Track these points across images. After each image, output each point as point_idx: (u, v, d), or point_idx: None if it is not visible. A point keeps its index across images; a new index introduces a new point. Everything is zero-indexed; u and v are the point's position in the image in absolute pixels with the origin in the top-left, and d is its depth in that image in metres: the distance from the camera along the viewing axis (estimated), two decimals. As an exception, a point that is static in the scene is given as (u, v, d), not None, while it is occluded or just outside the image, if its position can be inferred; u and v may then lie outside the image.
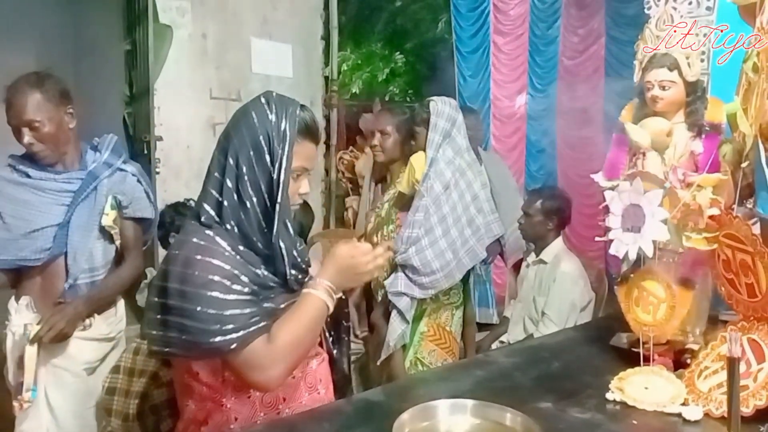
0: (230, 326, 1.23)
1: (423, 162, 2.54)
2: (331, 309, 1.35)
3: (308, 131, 1.34)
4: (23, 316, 2.02)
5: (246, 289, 1.27)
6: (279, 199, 1.29)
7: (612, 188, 1.50)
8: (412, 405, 1.20)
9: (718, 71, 1.59)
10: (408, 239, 2.43)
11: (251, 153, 1.29)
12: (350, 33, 5.83)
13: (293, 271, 1.35)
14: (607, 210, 1.50)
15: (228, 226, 1.31)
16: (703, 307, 1.52)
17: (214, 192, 1.32)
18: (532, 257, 3.21)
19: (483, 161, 3.37)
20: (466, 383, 1.47)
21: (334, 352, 1.60)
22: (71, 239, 2.01)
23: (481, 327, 4.24)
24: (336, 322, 1.58)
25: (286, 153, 1.29)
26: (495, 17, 5.34)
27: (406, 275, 2.43)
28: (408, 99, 5.76)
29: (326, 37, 4.05)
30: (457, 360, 2.50)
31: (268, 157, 1.29)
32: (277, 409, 1.37)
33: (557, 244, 3.09)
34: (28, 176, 2.01)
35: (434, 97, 2.58)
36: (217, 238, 1.29)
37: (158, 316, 1.30)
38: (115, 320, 2.19)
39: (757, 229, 1.39)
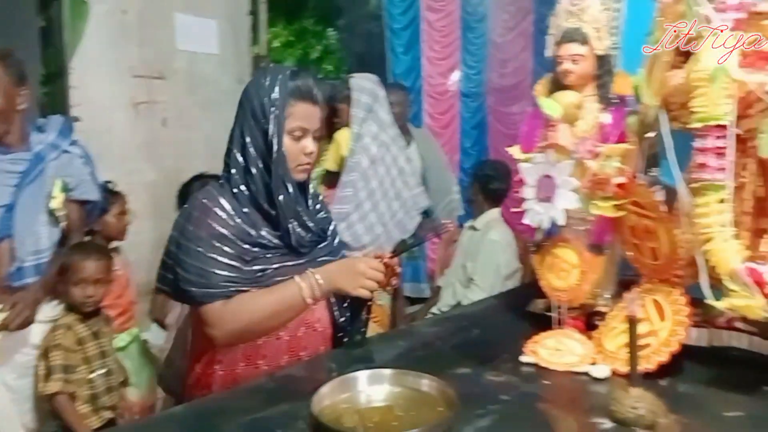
0: (204, 281, 1.38)
1: (348, 138, 2.55)
2: (309, 300, 1.41)
3: (300, 92, 1.43)
4: None
5: (232, 251, 1.40)
6: (274, 156, 1.40)
7: (527, 160, 1.54)
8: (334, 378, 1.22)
9: (630, 45, 1.64)
10: (338, 215, 2.44)
11: (252, 121, 1.42)
12: (282, 9, 5.72)
13: (298, 230, 1.46)
14: (522, 182, 1.55)
15: (235, 190, 1.44)
16: (612, 272, 1.59)
17: (227, 160, 1.47)
18: (468, 224, 3.31)
19: (414, 137, 3.41)
20: (389, 354, 1.50)
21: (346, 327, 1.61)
22: (18, 222, 2.00)
23: (414, 301, 4.33)
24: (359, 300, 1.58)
25: (276, 114, 1.40)
26: (426, -7, 5.37)
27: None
28: (342, 76, 5.73)
29: (254, 13, 3.96)
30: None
31: (264, 121, 1.41)
32: (256, 364, 1.47)
33: (491, 214, 3.18)
34: None
35: (355, 74, 2.59)
36: (221, 199, 1.43)
37: (164, 259, 1.49)
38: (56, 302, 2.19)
39: (661, 196, 1.46)
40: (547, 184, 1.47)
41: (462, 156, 5.97)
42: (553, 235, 1.57)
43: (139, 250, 3.23)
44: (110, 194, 2.82)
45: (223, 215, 1.42)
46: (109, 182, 2.89)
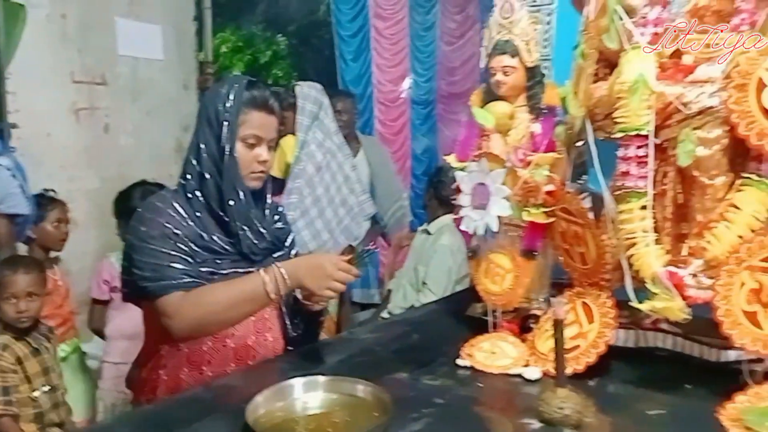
0: (159, 275, 1.40)
1: (293, 145, 2.56)
2: (272, 295, 1.40)
3: (255, 101, 1.47)
4: None
5: (184, 248, 1.42)
6: (225, 162, 1.43)
7: (462, 169, 1.58)
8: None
9: (561, 57, 1.70)
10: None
11: (207, 128, 1.46)
12: (230, 14, 5.67)
13: (250, 236, 1.48)
14: (459, 189, 1.58)
15: (190, 195, 1.47)
16: (546, 276, 1.64)
17: (184, 166, 1.50)
18: (421, 228, 3.35)
19: (362, 145, 3.44)
20: (328, 361, 1.51)
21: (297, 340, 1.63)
22: None
23: (364, 307, 4.34)
24: (313, 314, 1.60)
25: (230, 120, 1.44)
26: (374, 1, 5.40)
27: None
28: (292, 82, 5.72)
29: (199, 18, 3.93)
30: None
31: (217, 128, 1.44)
32: (201, 369, 1.48)
33: (445, 219, 3.22)
34: None
35: (300, 82, 2.61)
36: (175, 203, 1.46)
37: (123, 264, 1.52)
38: None
39: (588, 203, 1.52)
40: (482, 191, 1.51)
41: (413, 162, 6.03)
42: (490, 240, 1.61)
43: (82, 259, 3.16)
44: (49, 202, 2.75)
45: (176, 217, 1.44)
46: (48, 190, 2.82)
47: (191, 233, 1.44)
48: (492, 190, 1.48)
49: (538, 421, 1.18)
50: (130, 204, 2.59)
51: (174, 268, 1.40)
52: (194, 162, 1.48)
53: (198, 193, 1.47)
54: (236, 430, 1.13)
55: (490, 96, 1.63)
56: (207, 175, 1.46)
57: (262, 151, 1.49)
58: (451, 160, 1.64)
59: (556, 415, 1.16)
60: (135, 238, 1.45)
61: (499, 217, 1.48)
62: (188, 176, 1.48)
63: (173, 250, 1.41)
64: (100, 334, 2.81)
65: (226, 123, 1.44)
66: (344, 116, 3.07)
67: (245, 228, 1.48)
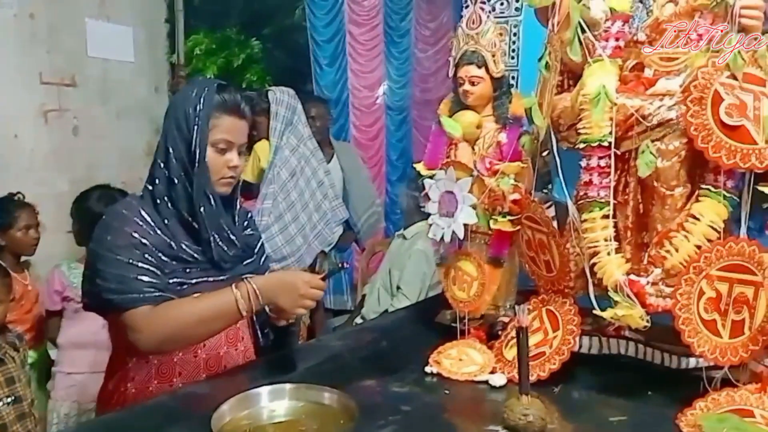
0: (125, 287, 1.35)
1: (267, 150, 2.56)
2: (244, 312, 1.37)
3: (226, 105, 1.44)
4: None
5: (152, 259, 1.38)
6: (195, 169, 1.41)
7: (431, 177, 1.60)
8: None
9: (528, 68, 1.73)
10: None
11: (176, 132, 1.42)
12: (204, 17, 5.62)
13: (221, 243, 1.45)
14: (427, 197, 1.60)
15: (158, 201, 1.43)
16: (513, 283, 1.66)
17: (152, 171, 1.46)
18: (398, 233, 3.37)
19: (336, 151, 3.44)
20: (296, 369, 1.51)
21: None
22: None
23: (337, 313, 4.34)
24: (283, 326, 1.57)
25: (200, 125, 1.41)
26: (349, 7, 5.40)
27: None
28: (267, 86, 5.69)
29: (171, 20, 3.90)
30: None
31: (187, 132, 1.41)
32: (171, 381, 1.45)
33: (421, 225, 3.23)
34: None
35: (272, 87, 2.62)
36: (142, 211, 1.42)
37: (84, 272, 1.46)
38: None
39: (553, 212, 1.55)
40: (449, 199, 1.53)
41: (389, 167, 6.03)
42: (461, 248, 1.63)
43: (50, 264, 3.10)
44: (16, 206, 2.71)
45: (143, 225, 1.40)
46: (16, 194, 2.77)
47: (159, 242, 1.40)
48: (459, 198, 1.50)
49: (503, 428, 1.20)
50: (86, 205, 2.56)
51: (141, 281, 1.35)
52: (162, 166, 1.44)
53: (166, 199, 1.43)
54: (202, 440, 1.13)
55: (459, 105, 1.65)
56: (176, 180, 1.42)
57: (232, 156, 1.46)
58: (420, 167, 1.65)
59: (519, 422, 1.18)
60: (100, 247, 1.39)
61: (466, 225, 1.50)
62: (156, 180, 1.44)
63: (140, 262, 1.36)
64: (54, 342, 2.75)
65: (196, 127, 1.41)
66: (318, 122, 3.08)
67: (215, 235, 1.44)
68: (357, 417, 1.16)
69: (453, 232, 1.51)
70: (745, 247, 1.26)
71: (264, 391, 1.24)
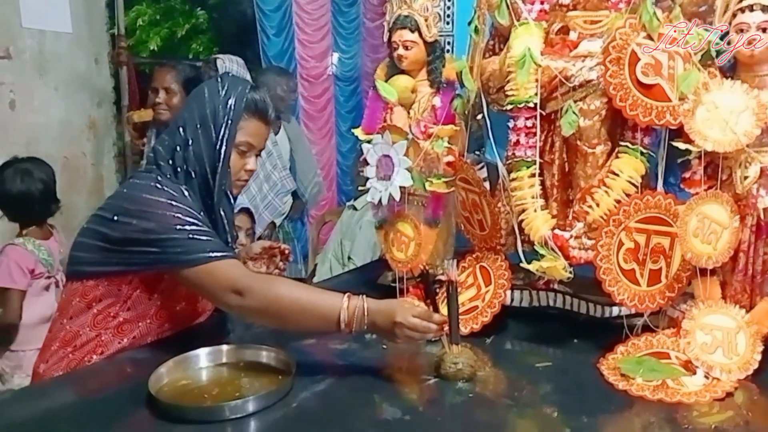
0: (208, 242, 1.29)
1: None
2: (343, 324, 1.25)
3: (256, 109, 1.41)
4: None
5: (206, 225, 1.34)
6: (219, 168, 1.37)
7: (369, 141, 1.62)
8: (175, 358, 1.24)
9: (462, 33, 1.76)
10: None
11: (198, 126, 1.37)
12: (147, -14, 5.47)
13: (229, 241, 1.45)
14: (365, 162, 1.63)
15: (185, 191, 1.36)
16: (449, 243, 1.72)
17: (172, 162, 1.38)
18: (349, 203, 3.39)
19: (282, 123, 3.43)
20: (237, 332, 1.53)
21: None
22: None
23: (290, 282, 4.36)
24: None
25: (230, 126, 1.37)
26: (296, -24, 5.33)
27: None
28: (212, 56, 5.60)
29: (110, -10, 3.78)
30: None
31: (213, 130, 1.37)
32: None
33: None
34: None
35: (221, 55, 2.58)
36: (174, 193, 1.34)
37: (98, 243, 1.34)
38: None
39: (485, 173, 1.60)
40: (386, 163, 1.56)
41: (338, 139, 6.02)
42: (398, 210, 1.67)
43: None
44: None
45: (183, 205, 1.33)
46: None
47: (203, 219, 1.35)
48: (395, 161, 1.53)
49: (434, 377, 1.26)
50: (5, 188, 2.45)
51: (213, 240, 1.30)
52: (180, 159, 1.37)
53: (184, 188, 1.37)
54: (140, 402, 1.14)
55: (394, 70, 1.67)
56: (193, 175, 1.37)
57: (251, 161, 1.44)
58: (359, 132, 1.68)
59: (450, 370, 1.24)
60: (150, 221, 1.29)
61: (402, 187, 1.54)
62: (178, 169, 1.37)
63: (202, 224, 1.31)
64: (13, 327, 2.65)
65: (224, 126, 1.37)
66: (284, 94, 3.09)
67: (228, 235, 1.44)
68: (293, 370, 1.20)
69: (390, 194, 1.54)
70: (661, 200, 1.34)
71: (202, 352, 1.27)
